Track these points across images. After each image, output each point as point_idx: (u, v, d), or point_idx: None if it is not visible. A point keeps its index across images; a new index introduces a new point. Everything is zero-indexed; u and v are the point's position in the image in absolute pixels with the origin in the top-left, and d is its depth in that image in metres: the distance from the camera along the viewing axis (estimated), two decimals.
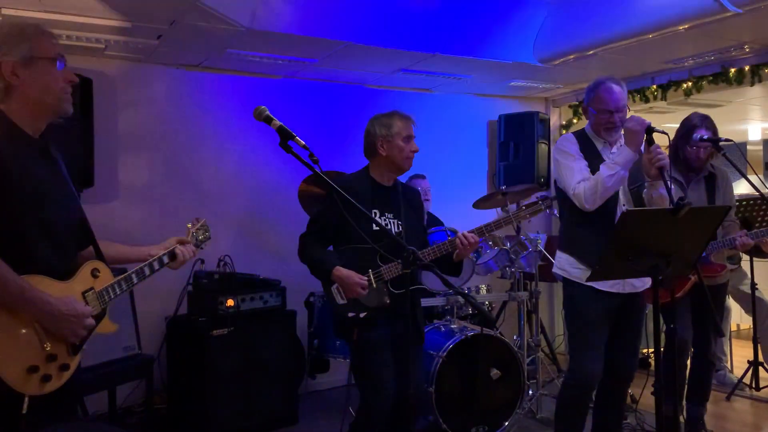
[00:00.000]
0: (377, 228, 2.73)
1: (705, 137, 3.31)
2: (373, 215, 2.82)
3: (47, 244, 1.78)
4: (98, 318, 1.88)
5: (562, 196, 2.97)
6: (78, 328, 1.77)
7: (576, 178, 2.81)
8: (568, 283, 2.95)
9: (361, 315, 2.75)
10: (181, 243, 2.18)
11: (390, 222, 2.87)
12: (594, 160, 2.86)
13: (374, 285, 2.75)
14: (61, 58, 1.83)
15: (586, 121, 3.02)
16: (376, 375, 2.72)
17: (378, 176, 2.93)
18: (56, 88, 1.82)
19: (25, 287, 1.66)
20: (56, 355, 1.73)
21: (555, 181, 3.05)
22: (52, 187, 1.83)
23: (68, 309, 1.73)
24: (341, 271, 2.74)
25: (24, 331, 1.68)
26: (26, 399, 1.66)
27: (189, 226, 2.30)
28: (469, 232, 2.73)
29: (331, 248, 2.93)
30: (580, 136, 2.98)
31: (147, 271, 2.04)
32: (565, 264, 2.96)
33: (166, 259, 2.11)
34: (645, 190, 2.89)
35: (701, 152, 3.38)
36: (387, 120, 2.90)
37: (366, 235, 2.71)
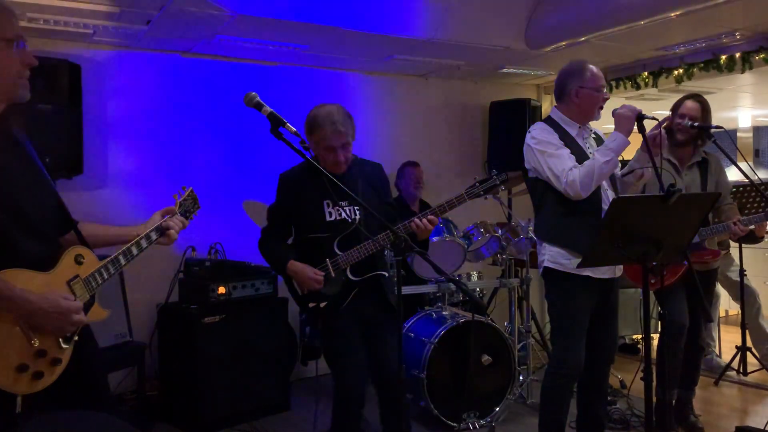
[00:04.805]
0: (331, 219, 2.72)
1: (696, 124, 3.33)
2: (326, 206, 2.73)
3: (25, 234, 1.68)
4: (87, 306, 1.79)
5: (541, 188, 2.90)
6: (64, 324, 1.67)
7: (566, 164, 2.76)
8: (561, 277, 2.84)
9: (321, 305, 2.74)
10: (167, 213, 2.07)
11: (346, 210, 2.74)
12: (571, 147, 2.84)
13: (332, 275, 2.72)
14: (20, 39, 1.70)
15: None
16: (342, 361, 2.75)
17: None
18: (11, 72, 1.69)
19: (1, 287, 1.55)
20: (45, 350, 1.64)
21: (528, 174, 2.95)
22: (18, 172, 1.71)
23: (51, 306, 1.62)
24: (296, 265, 2.73)
25: (7, 329, 1.58)
26: (19, 398, 1.60)
27: (176, 196, 2.20)
28: (427, 213, 2.70)
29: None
30: (552, 124, 2.91)
31: (135, 250, 1.93)
32: (558, 257, 2.85)
33: (154, 236, 2.00)
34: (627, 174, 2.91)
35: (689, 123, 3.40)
36: (312, 122, 2.69)
37: (319, 225, 2.71)
